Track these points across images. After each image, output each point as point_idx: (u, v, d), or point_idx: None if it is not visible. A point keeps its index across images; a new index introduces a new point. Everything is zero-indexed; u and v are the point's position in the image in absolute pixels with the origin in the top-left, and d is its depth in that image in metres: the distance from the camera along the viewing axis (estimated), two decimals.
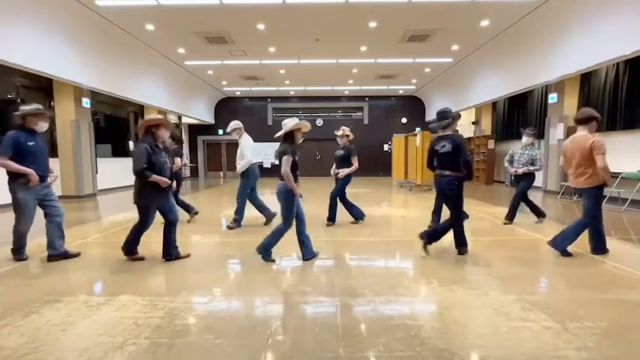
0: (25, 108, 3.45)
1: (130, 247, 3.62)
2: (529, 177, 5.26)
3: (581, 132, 3.55)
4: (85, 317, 2.36)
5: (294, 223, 3.53)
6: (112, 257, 3.85)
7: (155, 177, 3.31)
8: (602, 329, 2.15)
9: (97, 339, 2.07)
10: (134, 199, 3.46)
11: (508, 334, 2.11)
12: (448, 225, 3.69)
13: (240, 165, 5.03)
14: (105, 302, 2.59)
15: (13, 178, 3.40)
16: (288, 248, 4.06)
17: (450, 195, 3.66)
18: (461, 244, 3.72)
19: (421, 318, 2.34)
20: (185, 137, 16.00)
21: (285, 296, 2.71)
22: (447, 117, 3.66)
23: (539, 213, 5.40)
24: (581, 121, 3.57)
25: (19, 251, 3.62)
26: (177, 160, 5.21)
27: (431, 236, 3.68)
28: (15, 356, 1.91)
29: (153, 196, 3.43)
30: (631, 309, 2.47)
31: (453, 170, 3.59)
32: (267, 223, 5.30)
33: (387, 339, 2.05)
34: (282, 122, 3.46)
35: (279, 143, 3.48)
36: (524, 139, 5.31)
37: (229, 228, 5.13)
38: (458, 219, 3.66)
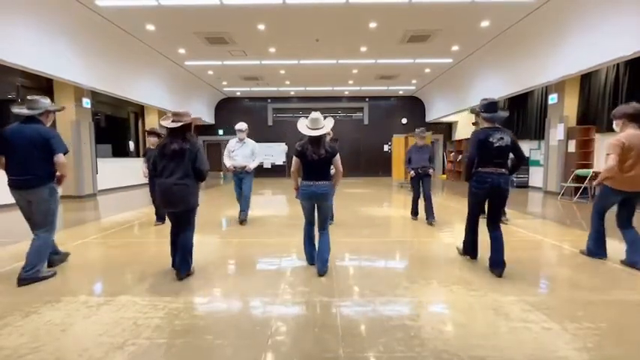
0: (46, 102, 3.15)
1: (191, 261, 3.23)
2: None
3: (637, 129, 3.27)
4: (84, 317, 2.36)
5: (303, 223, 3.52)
6: (112, 257, 3.86)
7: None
8: (602, 330, 2.15)
9: (96, 339, 2.07)
10: (190, 204, 3.09)
11: (508, 334, 2.11)
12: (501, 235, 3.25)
13: (254, 163, 5.52)
14: (105, 302, 2.59)
15: (52, 178, 3.12)
16: (288, 248, 4.06)
17: (506, 197, 3.23)
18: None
19: (421, 319, 2.34)
20: None
21: (284, 297, 2.71)
22: (498, 109, 3.24)
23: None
24: (636, 117, 3.28)
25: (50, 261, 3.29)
26: None
27: (501, 263, 3.17)
28: (15, 356, 1.91)
29: None
30: (631, 309, 2.47)
31: (506, 167, 3.21)
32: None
33: (386, 339, 2.05)
34: (322, 119, 3.30)
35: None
36: None
37: (242, 222, 5.53)
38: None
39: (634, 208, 3.42)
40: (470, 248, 3.56)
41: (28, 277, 3.00)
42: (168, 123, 3.06)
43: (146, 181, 5.46)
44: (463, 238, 3.63)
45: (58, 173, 3.14)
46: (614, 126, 3.48)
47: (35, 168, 3.01)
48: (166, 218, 5.41)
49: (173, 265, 3.22)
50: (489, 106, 3.23)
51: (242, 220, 5.52)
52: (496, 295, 2.68)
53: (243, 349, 1.99)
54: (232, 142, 5.57)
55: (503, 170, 3.18)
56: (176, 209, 3.09)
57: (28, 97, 3.12)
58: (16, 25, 6.00)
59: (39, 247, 3.09)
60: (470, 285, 2.92)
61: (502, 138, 3.13)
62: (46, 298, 2.66)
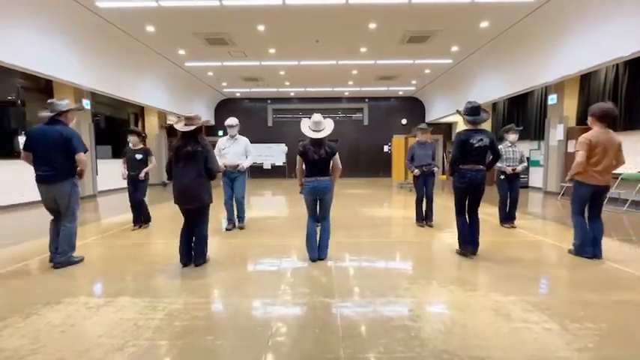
0: (61, 104, 3.44)
1: (206, 250, 3.55)
2: (519, 175, 5.31)
3: (604, 128, 3.51)
4: (85, 318, 2.36)
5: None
6: (112, 258, 3.86)
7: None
8: (603, 330, 2.15)
9: (97, 340, 2.07)
10: (204, 201, 3.36)
11: (508, 335, 2.11)
12: (478, 221, 3.72)
13: (247, 162, 5.08)
14: (105, 304, 2.59)
15: (74, 173, 3.46)
16: (288, 249, 4.06)
17: (483, 190, 3.66)
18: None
19: (421, 319, 2.34)
20: None
21: (285, 297, 2.71)
22: (481, 112, 3.63)
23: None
24: (606, 118, 3.50)
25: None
26: (153, 159, 5.32)
27: (475, 243, 3.70)
28: (15, 357, 1.91)
29: None
30: (631, 310, 2.47)
31: (484, 164, 3.63)
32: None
33: (387, 340, 2.05)
34: (323, 121, 3.51)
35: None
36: (513, 137, 5.31)
37: (241, 228, 5.17)
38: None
39: (602, 202, 3.68)
40: (464, 242, 3.73)
41: (62, 261, 3.43)
42: (181, 127, 3.28)
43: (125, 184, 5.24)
44: (457, 236, 3.81)
45: (78, 168, 3.47)
46: (587, 121, 3.67)
47: (57, 164, 3.35)
48: (142, 221, 5.34)
49: (182, 260, 3.41)
50: (471, 110, 3.63)
51: (240, 227, 5.17)
52: (496, 296, 2.68)
53: (243, 349, 1.99)
54: (223, 140, 5.15)
55: (481, 167, 3.60)
56: (192, 206, 3.34)
57: (48, 101, 3.47)
58: (15, 26, 6.00)
59: (67, 235, 3.48)
60: (470, 285, 2.92)
61: (482, 139, 3.54)
62: (46, 300, 2.65)
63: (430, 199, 5.32)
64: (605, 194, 3.67)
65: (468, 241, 3.71)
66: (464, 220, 3.75)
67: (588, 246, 3.63)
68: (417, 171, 5.25)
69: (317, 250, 3.60)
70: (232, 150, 5.03)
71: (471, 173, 3.58)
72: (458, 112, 3.83)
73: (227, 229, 5.12)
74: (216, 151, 5.01)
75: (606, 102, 3.62)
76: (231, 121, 5.07)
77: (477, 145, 3.53)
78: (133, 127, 5.53)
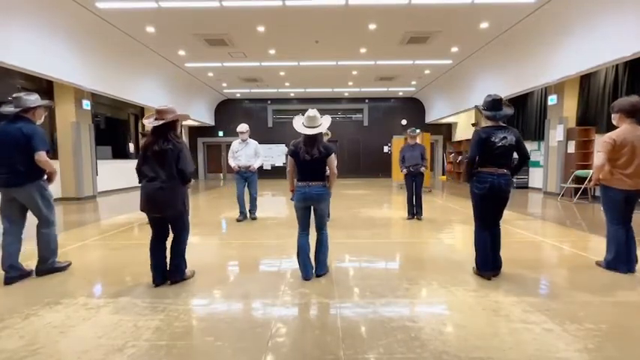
0: (29, 99, 3.10)
1: (185, 266, 3.11)
2: None
3: (632, 125, 3.13)
4: (84, 319, 2.35)
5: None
6: (112, 259, 3.86)
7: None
8: (603, 331, 2.15)
9: (96, 341, 2.07)
10: (177, 208, 2.90)
11: (508, 336, 2.11)
12: (499, 234, 3.17)
13: (258, 162, 5.84)
14: (104, 304, 2.59)
15: (40, 175, 3.13)
16: (287, 250, 4.06)
17: (507, 198, 3.07)
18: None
19: (421, 320, 2.33)
20: (185, 139, 15.98)
21: (284, 298, 2.70)
22: (503, 106, 3.07)
23: None
24: (636, 113, 3.12)
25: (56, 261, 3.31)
26: None
27: (496, 262, 3.16)
28: (15, 358, 1.90)
29: None
30: (631, 310, 2.46)
31: (509, 168, 3.05)
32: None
33: (387, 341, 2.05)
34: (319, 117, 3.06)
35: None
36: None
37: (254, 219, 5.96)
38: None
39: (633, 207, 3.26)
40: (484, 263, 3.11)
41: (44, 268, 3.23)
42: (150, 122, 2.87)
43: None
44: (475, 255, 3.17)
45: (47, 171, 3.16)
46: (612, 119, 3.31)
47: (19, 166, 3.01)
48: None
49: (154, 281, 2.94)
50: (492, 104, 3.06)
51: (253, 218, 5.94)
52: (496, 296, 2.68)
53: (243, 350, 1.98)
54: (235, 144, 5.87)
55: (505, 170, 3.02)
56: (162, 214, 2.90)
57: (14, 95, 3.09)
58: (15, 26, 6.00)
59: (46, 241, 3.23)
60: (470, 286, 2.91)
61: (505, 137, 2.96)
62: (45, 300, 2.65)
63: (419, 196, 5.89)
64: (637, 199, 3.20)
65: (491, 264, 3.10)
66: (486, 236, 3.10)
67: (623, 262, 3.21)
68: (405, 170, 5.90)
69: (312, 267, 3.14)
70: (244, 152, 5.80)
71: (492, 178, 2.98)
72: (476, 107, 3.26)
73: (238, 220, 5.80)
74: (229, 154, 5.91)
75: (631, 96, 3.25)
76: (242, 127, 5.82)
77: (499, 144, 2.94)
78: (147, 130, 5.67)
